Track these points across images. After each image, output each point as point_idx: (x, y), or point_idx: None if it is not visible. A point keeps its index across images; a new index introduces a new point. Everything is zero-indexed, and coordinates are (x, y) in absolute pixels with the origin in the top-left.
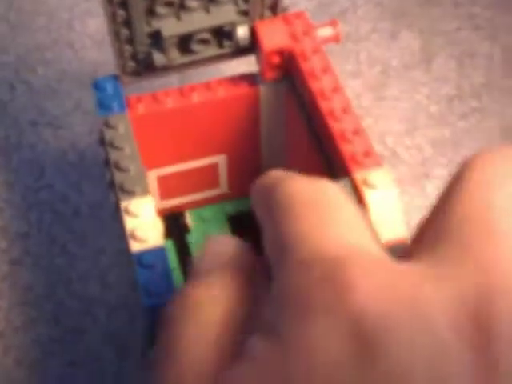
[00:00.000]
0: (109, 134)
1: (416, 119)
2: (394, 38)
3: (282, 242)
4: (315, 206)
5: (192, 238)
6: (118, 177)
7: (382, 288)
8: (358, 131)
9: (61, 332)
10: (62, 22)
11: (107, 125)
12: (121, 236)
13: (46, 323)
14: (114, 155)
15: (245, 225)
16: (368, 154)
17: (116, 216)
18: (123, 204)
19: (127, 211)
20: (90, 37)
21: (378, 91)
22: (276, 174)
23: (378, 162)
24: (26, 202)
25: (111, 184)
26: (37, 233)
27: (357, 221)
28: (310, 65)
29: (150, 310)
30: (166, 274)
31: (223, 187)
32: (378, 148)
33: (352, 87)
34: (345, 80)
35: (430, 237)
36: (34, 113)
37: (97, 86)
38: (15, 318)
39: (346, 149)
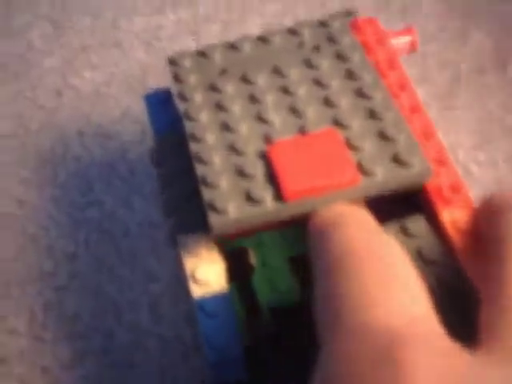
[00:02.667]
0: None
1: (489, 131)
2: (463, 39)
3: (338, 303)
4: (378, 264)
5: (256, 281)
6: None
7: (444, 376)
8: (442, 160)
9: (110, 367)
10: (108, 21)
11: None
12: (174, 260)
13: (95, 357)
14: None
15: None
16: (456, 188)
17: (170, 241)
18: (181, 239)
19: (186, 248)
20: (136, 36)
21: (447, 100)
22: (337, 210)
23: (467, 200)
24: (73, 220)
25: (167, 210)
26: (84, 253)
27: (419, 287)
28: (387, 81)
29: (216, 366)
30: (233, 324)
31: None
32: None
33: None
34: None
35: (496, 325)
36: (80, 122)
37: (148, 100)
38: (62, 351)
39: (431, 184)
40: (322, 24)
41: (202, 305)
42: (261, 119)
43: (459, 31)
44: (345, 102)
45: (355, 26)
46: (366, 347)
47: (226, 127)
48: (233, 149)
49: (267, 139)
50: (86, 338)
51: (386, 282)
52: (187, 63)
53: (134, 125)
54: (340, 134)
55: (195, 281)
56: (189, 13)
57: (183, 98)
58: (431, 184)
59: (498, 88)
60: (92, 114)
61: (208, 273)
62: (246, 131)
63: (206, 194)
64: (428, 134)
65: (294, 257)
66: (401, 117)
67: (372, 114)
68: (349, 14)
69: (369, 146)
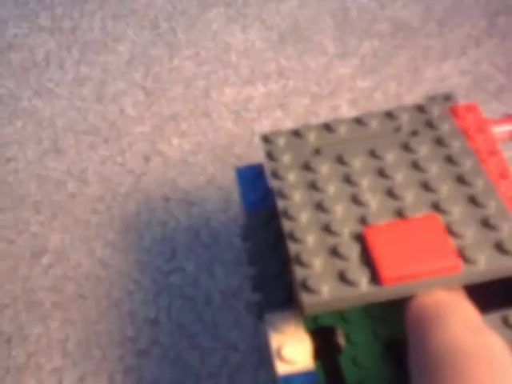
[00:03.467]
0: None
1: None
2: None
3: None
4: (485, 368)
5: (343, 360)
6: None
7: None
8: None
9: None
10: (199, 91)
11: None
12: (255, 331)
13: None
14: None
15: (400, 352)
16: None
17: (256, 316)
18: (268, 317)
19: (273, 325)
20: (226, 106)
21: None
22: (438, 299)
23: None
24: (156, 285)
25: (255, 286)
26: (166, 320)
27: None
28: (486, 168)
29: None
30: None
31: None
32: None
33: None
34: None
35: None
36: (166, 187)
37: (240, 174)
38: None
39: None
40: (420, 109)
41: (287, 382)
42: (356, 201)
43: None
44: (445, 187)
45: (454, 111)
46: None
47: (320, 207)
48: (327, 229)
49: (363, 221)
50: None
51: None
52: (281, 142)
53: (218, 192)
54: (440, 220)
55: (280, 358)
56: (278, 85)
57: (277, 176)
58: None
59: None
60: (178, 181)
61: (294, 351)
62: (341, 212)
63: (299, 273)
64: None
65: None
66: (503, 204)
67: (473, 201)
68: (447, 97)
69: (470, 232)
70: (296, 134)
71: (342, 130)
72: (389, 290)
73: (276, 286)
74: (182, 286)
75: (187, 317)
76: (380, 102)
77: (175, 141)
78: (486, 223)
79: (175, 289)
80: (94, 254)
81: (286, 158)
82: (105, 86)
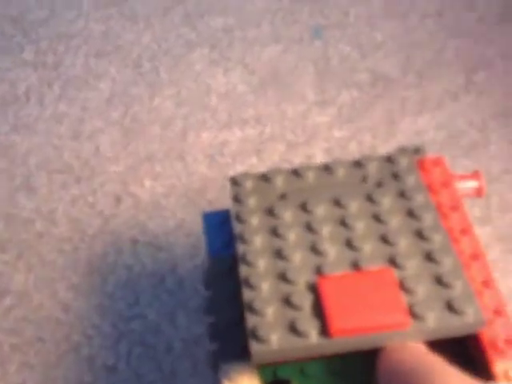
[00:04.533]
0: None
1: None
2: None
3: None
4: None
5: None
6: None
7: None
8: (499, 310)
9: None
10: (176, 132)
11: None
12: (214, 380)
13: None
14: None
15: None
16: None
17: (212, 367)
18: (223, 366)
19: (227, 376)
20: (202, 150)
21: (509, 242)
22: (414, 357)
23: None
24: (116, 331)
25: (212, 336)
26: (125, 367)
27: None
28: (448, 224)
29: None
30: None
31: None
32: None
33: (478, 235)
34: None
35: None
36: (135, 230)
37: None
38: None
39: (486, 333)
40: (389, 159)
41: None
42: (315, 250)
43: None
44: (403, 241)
45: (422, 164)
46: None
47: (278, 254)
48: (283, 277)
49: (319, 271)
50: None
51: None
52: (248, 185)
53: (186, 238)
54: (395, 274)
55: None
56: (255, 131)
57: (240, 219)
58: (486, 333)
59: None
60: (148, 224)
61: None
62: (299, 260)
63: (250, 321)
64: (487, 283)
65: None
66: (459, 262)
67: (430, 258)
68: (417, 151)
69: (423, 289)
70: (264, 177)
71: (310, 176)
72: (337, 343)
73: (233, 335)
74: (143, 332)
75: (146, 365)
76: (354, 152)
77: (148, 183)
78: (439, 280)
79: (136, 335)
80: (56, 295)
81: (252, 202)
82: (82, 124)
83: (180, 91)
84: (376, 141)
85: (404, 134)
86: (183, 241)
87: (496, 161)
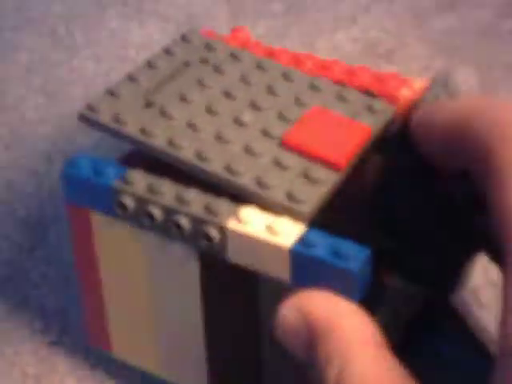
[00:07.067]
0: None
1: None
2: None
3: None
4: None
5: None
6: None
7: None
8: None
9: None
10: (100, 88)
11: None
12: None
13: None
14: None
15: None
16: None
17: None
18: None
19: None
20: None
21: None
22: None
23: None
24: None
25: None
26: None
27: None
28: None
29: None
30: None
31: None
32: None
33: None
34: None
35: None
36: None
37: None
38: None
39: None
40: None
41: None
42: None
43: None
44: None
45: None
46: None
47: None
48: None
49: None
50: None
51: None
52: (103, 106)
53: None
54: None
55: None
56: None
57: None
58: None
59: None
60: None
61: None
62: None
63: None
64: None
65: None
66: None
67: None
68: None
69: None
70: (111, 93)
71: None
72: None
73: None
74: None
75: None
76: None
77: (79, 139)
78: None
79: None
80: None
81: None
82: (5, 96)
83: (98, 50)
84: None
85: (321, 53)
86: None
87: (414, 61)
